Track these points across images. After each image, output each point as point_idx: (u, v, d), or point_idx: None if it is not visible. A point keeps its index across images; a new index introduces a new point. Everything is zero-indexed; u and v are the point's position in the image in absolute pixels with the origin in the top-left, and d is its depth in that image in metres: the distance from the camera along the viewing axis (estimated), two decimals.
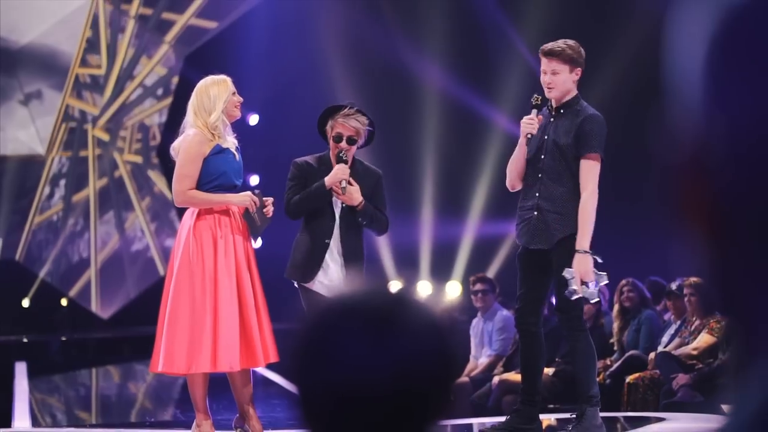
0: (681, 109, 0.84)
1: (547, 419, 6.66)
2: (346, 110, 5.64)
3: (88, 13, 14.51)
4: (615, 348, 8.40)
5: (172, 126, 13.96)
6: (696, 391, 7.26)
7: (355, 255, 5.70)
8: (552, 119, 5.47)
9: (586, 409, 5.36)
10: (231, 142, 5.51)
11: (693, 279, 7.77)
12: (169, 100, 14.62)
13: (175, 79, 14.58)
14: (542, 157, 5.43)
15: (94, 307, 14.60)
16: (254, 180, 12.57)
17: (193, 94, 5.49)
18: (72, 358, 12.93)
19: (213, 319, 5.30)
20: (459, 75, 11.98)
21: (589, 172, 5.34)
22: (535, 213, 5.41)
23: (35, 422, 7.69)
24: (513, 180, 5.57)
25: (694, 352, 7.56)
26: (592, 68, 11.43)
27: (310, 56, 13.06)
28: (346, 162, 5.61)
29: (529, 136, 5.43)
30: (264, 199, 5.56)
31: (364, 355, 1.13)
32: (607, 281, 5.36)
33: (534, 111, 5.47)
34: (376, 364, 1.12)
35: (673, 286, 8.00)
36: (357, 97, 13.59)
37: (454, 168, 11.96)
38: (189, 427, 5.78)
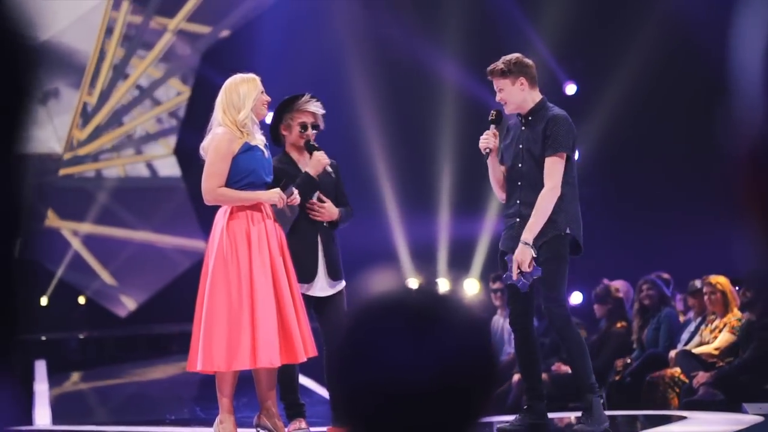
0: (742, 106, 0.83)
1: (558, 417, 6.63)
2: (303, 98, 5.81)
3: (104, 12, 14.55)
4: (635, 346, 8.37)
5: (191, 123, 14.01)
6: (717, 390, 7.23)
7: (336, 252, 5.84)
8: (524, 128, 5.66)
9: (592, 399, 5.49)
10: (259, 139, 5.52)
11: (713, 277, 7.74)
12: (167, 105, 14.64)
13: (174, 82, 14.60)
14: (519, 165, 5.63)
15: (112, 305, 14.65)
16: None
17: (222, 91, 5.50)
18: (90, 356, 12.97)
19: (250, 315, 5.30)
20: (477, 72, 11.95)
21: (551, 169, 5.52)
22: (518, 220, 5.61)
23: (55, 420, 7.71)
24: (499, 194, 5.81)
25: (715, 351, 7.53)
26: (610, 65, 11.41)
27: (326, 54, 13.06)
28: (319, 148, 5.74)
29: (486, 151, 5.66)
30: (291, 189, 5.59)
31: (408, 353, 1.12)
32: (540, 275, 5.50)
33: (492, 126, 5.70)
34: (420, 362, 1.11)
35: (697, 284, 7.96)
36: (374, 95, 13.58)
37: (472, 166, 11.92)
38: (209, 425, 5.78)
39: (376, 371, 1.12)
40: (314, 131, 5.80)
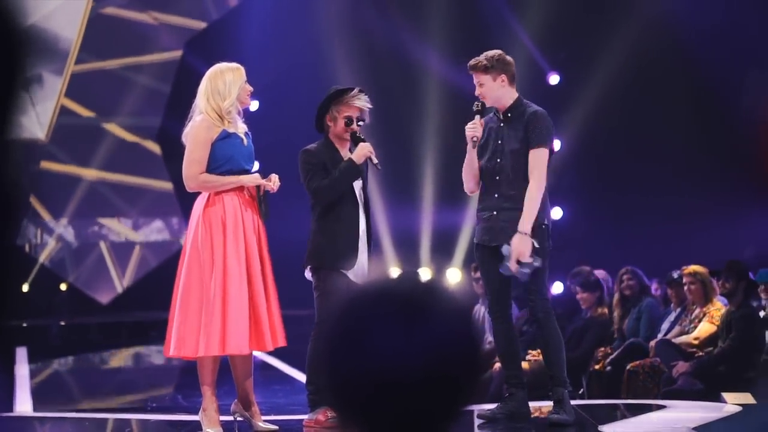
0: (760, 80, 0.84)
1: (539, 406, 6.67)
2: (352, 93, 5.78)
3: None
4: (615, 336, 8.42)
5: (173, 110, 13.96)
6: (696, 379, 7.28)
7: (372, 240, 5.89)
8: (502, 125, 5.75)
9: (563, 393, 5.63)
10: (241, 127, 5.55)
11: (693, 267, 7.79)
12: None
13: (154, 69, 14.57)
14: (498, 160, 5.70)
15: (93, 292, 14.63)
16: (254, 166, 12.57)
17: (206, 79, 5.51)
18: (71, 342, 12.95)
19: (222, 303, 5.33)
20: (460, 63, 11.98)
21: (535, 162, 5.61)
22: (495, 213, 5.68)
23: (36, 407, 7.71)
24: (471, 186, 5.85)
25: (695, 341, 7.58)
26: (593, 56, 11.43)
27: (310, 42, 13.05)
28: (364, 140, 5.74)
29: (474, 139, 5.71)
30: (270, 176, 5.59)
31: (398, 342, 1.14)
32: (539, 265, 5.51)
33: (477, 117, 5.74)
34: (409, 350, 1.13)
35: (675, 274, 8.02)
36: (357, 84, 13.57)
37: (454, 155, 11.92)
38: (191, 412, 5.80)
39: (366, 359, 1.14)
40: (360, 124, 5.79)
